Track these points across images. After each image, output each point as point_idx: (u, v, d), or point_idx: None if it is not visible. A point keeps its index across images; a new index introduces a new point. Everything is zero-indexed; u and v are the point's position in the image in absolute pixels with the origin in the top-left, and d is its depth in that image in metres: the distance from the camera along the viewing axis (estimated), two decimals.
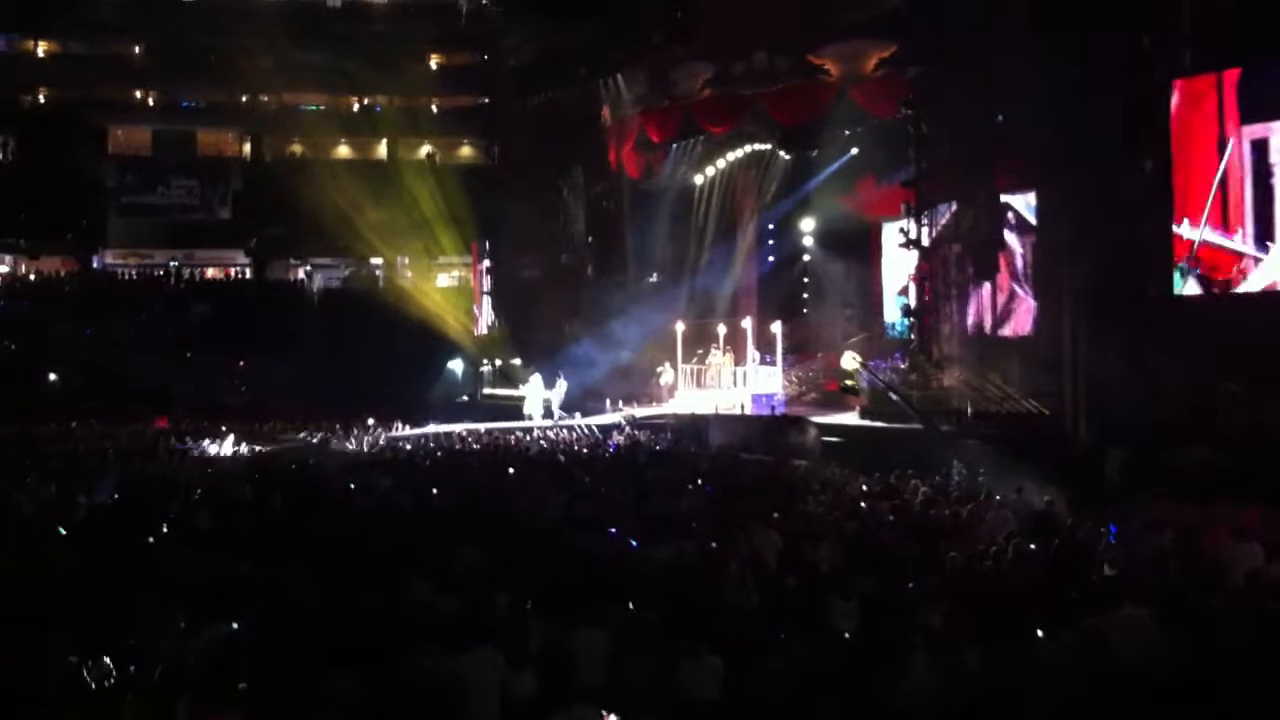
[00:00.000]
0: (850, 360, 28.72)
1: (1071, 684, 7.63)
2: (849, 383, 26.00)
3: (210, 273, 53.39)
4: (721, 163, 34.09)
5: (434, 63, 54.14)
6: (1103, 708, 7.26)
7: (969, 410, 22.65)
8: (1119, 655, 8.01)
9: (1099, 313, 20.28)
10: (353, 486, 18.65)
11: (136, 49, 52.23)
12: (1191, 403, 18.44)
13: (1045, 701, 7.42)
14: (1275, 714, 6.98)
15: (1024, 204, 24.89)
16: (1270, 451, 16.10)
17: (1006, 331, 25.75)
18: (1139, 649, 8.09)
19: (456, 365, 44.47)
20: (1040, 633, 8.51)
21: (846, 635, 9.18)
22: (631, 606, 9.89)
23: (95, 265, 51.93)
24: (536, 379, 33.09)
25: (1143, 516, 13.88)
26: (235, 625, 9.02)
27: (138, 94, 52.87)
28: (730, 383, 29.78)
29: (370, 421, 33.93)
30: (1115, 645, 8.13)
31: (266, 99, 53.08)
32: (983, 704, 7.51)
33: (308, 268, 53.33)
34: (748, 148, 32.94)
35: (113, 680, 7.83)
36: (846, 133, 29.80)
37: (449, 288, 52.89)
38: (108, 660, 8.02)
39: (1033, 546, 12.29)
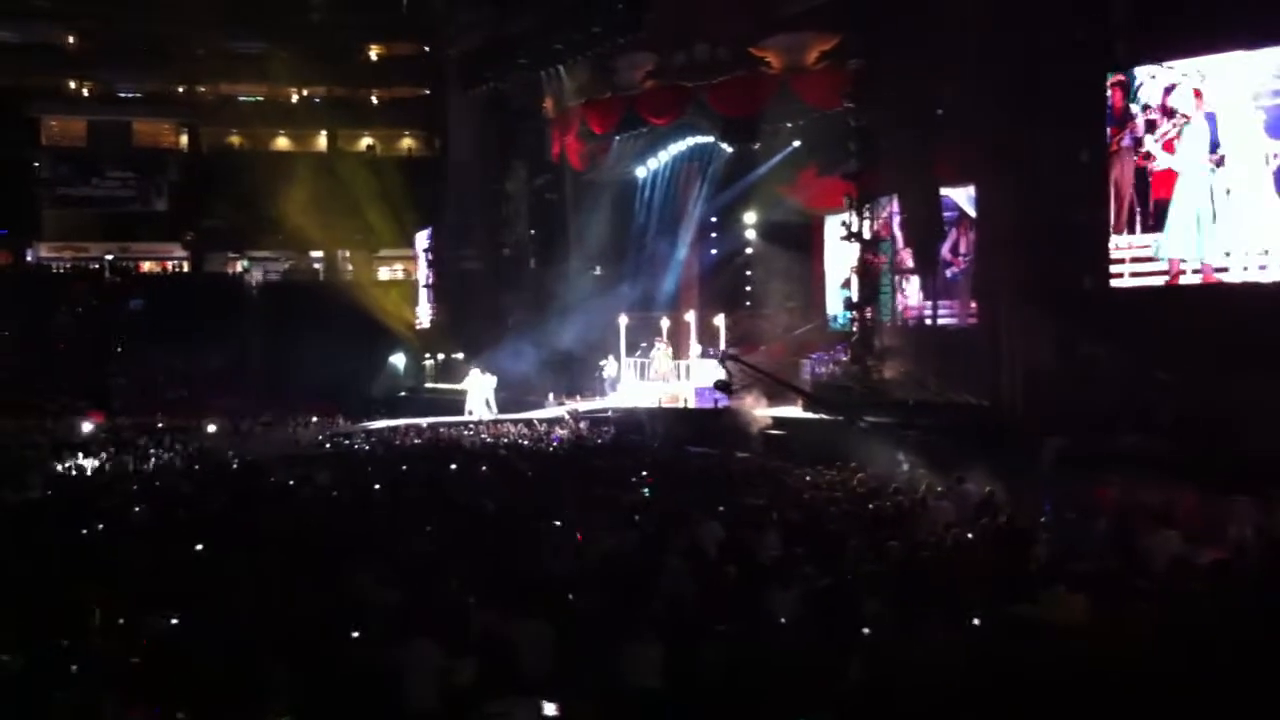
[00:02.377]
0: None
1: (1007, 667, 7.72)
2: (721, 379, 25.96)
3: (146, 266, 52.67)
4: (664, 155, 34.06)
5: (374, 53, 53.74)
6: (1038, 690, 7.34)
7: (910, 401, 22.83)
8: (1053, 638, 8.13)
9: (1035, 304, 20.51)
10: (291, 481, 18.54)
11: (70, 37, 51.31)
12: (1125, 392, 18.69)
13: (982, 685, 7.50)
14: (1198, 695, 7.08)
15: (964, 196, 25.10)
16: (1202, 439, 16.36)
17: (945, 315, 25.93)
18: (1072, 631, 8.22)
19: (398, 359, 44.24)
20: (978, 618, 8.60)
21: (787, 624, 9.22)
22: (573, 596, 9.90)
23: (29, 258, 51.03)
24: (476, 374, 32.97)
25: (1077, 503, 14.09)
26: (173, 620, 8.94)
27: (72, 83, 52.02)
28: (673, 376, 29.85)
29: (311, 416, 33.70)
30: (1049, 628, 8.26)
31: (204, 89, 52.48)
32: (921, 690, 7.56)
33: (246, 261, 52.77)
34: (690, 140, 32.93)
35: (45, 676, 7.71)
36: (788, 125, 29.84)
37: (390, 280, 52.63)
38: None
39: (970, 535, 12.43)
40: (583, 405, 30.62)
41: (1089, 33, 20.60)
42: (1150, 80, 19.89)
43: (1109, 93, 20.35)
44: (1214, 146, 19.03)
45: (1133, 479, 14.74)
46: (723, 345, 28.88)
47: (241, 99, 53.46)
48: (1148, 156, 19.89)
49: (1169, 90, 19.67)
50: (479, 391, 32.44)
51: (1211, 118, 19.06)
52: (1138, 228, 19.96)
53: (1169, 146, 19.65)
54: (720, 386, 25.53)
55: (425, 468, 20.54)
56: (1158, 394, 18.22)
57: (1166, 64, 19.67)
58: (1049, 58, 20.32)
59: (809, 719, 6.19)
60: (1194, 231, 19.33)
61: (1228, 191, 18.87)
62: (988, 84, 20.83)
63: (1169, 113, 19.64)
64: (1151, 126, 19.88)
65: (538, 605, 9.10)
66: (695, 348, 30.11)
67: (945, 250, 25.72)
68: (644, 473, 19.15)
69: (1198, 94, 19.26)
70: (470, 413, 31.94)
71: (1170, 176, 19.64)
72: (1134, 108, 20.10)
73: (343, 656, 8.36)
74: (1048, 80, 20.23)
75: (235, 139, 53.80)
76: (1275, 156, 18.35)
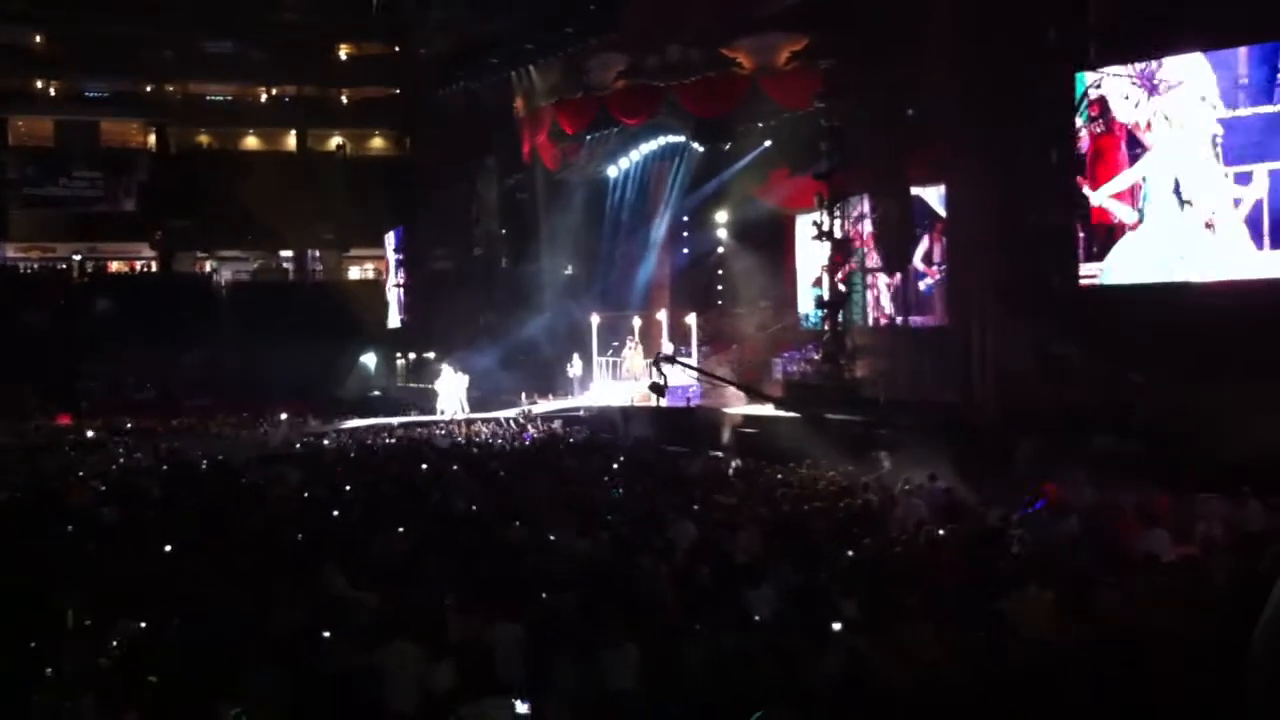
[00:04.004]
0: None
1: (980, 665, 7.77)
2: (655, 382, 25.94)
3: (114, 266, 52.29)
4: (636, 154, 34.07)
5: (344, 53, 53.52)
6: (1010, 688, 7.39)
7: (882, 400, 22.90)
8: (1025, 636, 8.18)
9: (1007, 303, 20.62)
10: (262, 482, 18.47)
11: (38, 37, 50.82)
12: (1098, 390, 18.82)
13: (956, 681, 7.54)
14: (1173, 693, 7.13)
15: (935, 196, 25.23)
16: (1176, 438, 16.47)
17: (918, 322, 26.07)
18: (1044, 630, 8.27)
19: (369, 359, 44.11)
20: (950, 615, 8.64)
21: (762, 623, 9.24)
22: (549, 598, 9.89)
23: None
24: (448, 372, 32.90)
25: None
26: (144, 623, 8.89)
27: (39, 83, 51.51)
28: (645, 375, 29.85)
29: (282, 416, 33.55)
30: (1022, 627, 8.30)
31: (173, 89, 52.11)
32: (895, 685, 7.60)
33: (215, 261, 52.46)
34: (662, 139, 32.95)
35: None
36: (760, 125, 29.90)
37: (361, 280, 52.45)
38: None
39: (942, 533, 12.48)
40: (553, 404, 30.62)
41: (1059, 33, 20.73)
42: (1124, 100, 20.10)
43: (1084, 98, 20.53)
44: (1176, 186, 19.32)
45: (1107, 478, 14.83)
46: (664, 347, 28.79)
47: (210, 99, 53.12)
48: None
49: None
50: (451, 391, 32.38)
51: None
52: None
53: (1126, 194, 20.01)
54: (654, 389, 25.49)
55: (397, 468, 20.48)
56: (1130, 394, 18.34)
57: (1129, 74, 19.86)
58: (1019, 58, 20.44)
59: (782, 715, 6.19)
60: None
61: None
62: (958, 84, 20.92)
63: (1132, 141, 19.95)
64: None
65: (513, 607, 9.09)
66: (667, 347, 30.11)
67: (918, 259, 25.83)
68: (615, 468, 19.20)
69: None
70: (442, 412, 31.88)
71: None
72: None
73: (320, 658, 8.33)
74: (1018, 80, 20.35)
75: (204, 139, 53.47)
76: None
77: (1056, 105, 20.60)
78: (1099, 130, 20.35)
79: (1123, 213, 20.07)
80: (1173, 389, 17.54)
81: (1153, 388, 18.17)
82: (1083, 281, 20.56)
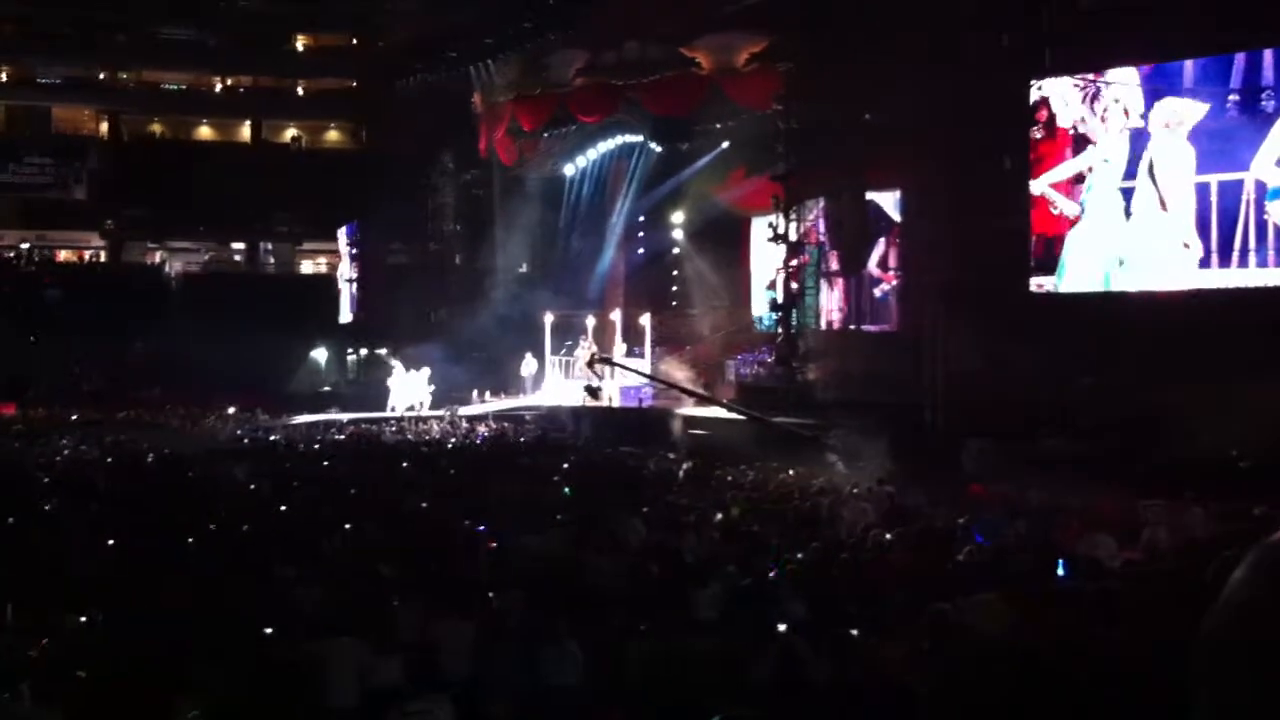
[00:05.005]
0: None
1: (928, 667, 7.78)
2: (590, 384, 25.91)
3: (63, 255, 51.59)
4: (593, 153, 34.04)
5: (301, 43, 53.09)
6: (960, 690, 7.41)
7: (833, 402, 22.98)
8: (974, 639, 8.20)
9: (958, 307, 20.76)
10: (211, 476, 18.31)
11: None
12: (1047, 393, 19.00)
13: (905, 684, 7.55)
14: (1121, 695, 7.18)
15: (890, 201, 25.36)
16: (1122, 441, 16.66)
17: (871, 326, 26.19)
18: (993, 633, 8.29)
19: (320, 353, 43.80)
20: (896, 619, 8.66)
21: (709, 624, 9.24)
22: (495, 595, 9.85)
23: None
24: (400, 369, 32.73)
25: (998, 505, 14.26)
26: (84, 618, 8.77)
27: None
28: (598, 375, 29.80)
29: (231, 410, 33.25)
30: (970, 629, 8.32)
31: (127, 76, 51.48)
32: (838, 688, 7.61)
33: (165, 252, 51.88)
34: (619, 138, 32.94)
35: None
36: (718, 126, 29.94)
37: (314, 274, 52.06)
38: None
39: (889, 536, 12.52)
40: (506, 403, 30.53)
41: (1014, 41, 20.91)
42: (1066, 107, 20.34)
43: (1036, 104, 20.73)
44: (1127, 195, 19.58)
45: (1056, 480, 14.96)
46: (592, 348, 28.72)
47: (165, 87, 52.50)
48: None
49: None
50: (406, 388, 32.19)
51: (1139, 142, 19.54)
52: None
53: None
54: (589, 391, 25.43)
55: (347, 464, 20.35)
56: (1078, 397, 18.53)
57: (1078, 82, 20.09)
58: (975, 65, 20.60)
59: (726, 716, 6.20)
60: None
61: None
62: (916, 90, 21.06)
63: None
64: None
65: (460, 604, 9.05)
66: (621, 346, 30.09)
67: (873, 265, 25.95)
68: (565, 467, 19.18)
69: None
70: (393, 409, 31.69)
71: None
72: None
73: (264, 653, 8.25)
74: (974, 87, 20.50)
75: (157, 128, 52.84)
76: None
77: (1011, 112, 20.78)
78: (1039, 135, 20.59)
79: (1064, 205, 20.29)
80: (1120, 392, 17.74)
81: (1100, 391, 18.37)
82: (1034, 287, 20.77)
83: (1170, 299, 18.99)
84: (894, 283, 25.77)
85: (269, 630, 8.63)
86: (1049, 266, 20.61)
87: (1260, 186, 18.17)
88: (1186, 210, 18.86)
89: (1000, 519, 13.48)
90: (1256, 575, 1.38)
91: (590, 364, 26.25)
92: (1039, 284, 20.70)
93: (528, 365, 31.62)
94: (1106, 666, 7.49)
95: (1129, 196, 19.49)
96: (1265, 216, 18.15)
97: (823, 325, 27.33)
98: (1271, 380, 14.65)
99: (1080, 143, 20.17)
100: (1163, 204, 19.09)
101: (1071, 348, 19.08)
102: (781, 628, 8.43)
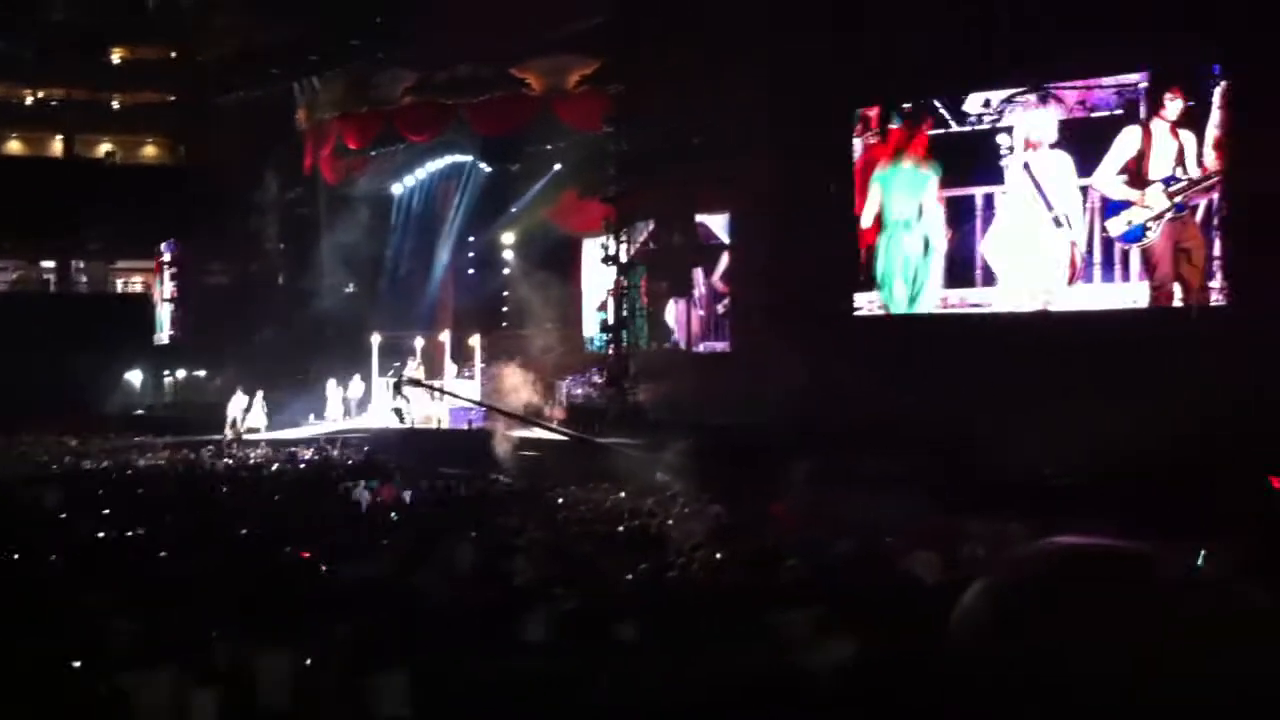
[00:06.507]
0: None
1: (756, 684, 7.77)
2: (396, 406, 25.71)
3: None
4: (422, 172, 33.68)
5: (117, 55, 51.25)
6: (779, 705, 7.42)
7: (662, 423, 23.03)
8: (792, 655, 8.24)
9: (785, 327, 21.06)
10: (18, 502, 17.42)
11: None
12: (873, 413, 19.36)
13: (730, 700, 7.52)
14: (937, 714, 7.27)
15: (720, 223, 25.64)
16: (946, 462, 17.06)
17: (702, 348, 26.41)
18: (809, 649, 8.35)
19: (134, 375, 42.22)
20: (723, 637, 8.64)
21: (537, 646, 9.09)
22: (321, 622, 9.54)
23: None
24: (240, 394, 31.72)
25: (827, 523, 14.41)
26: None
27: None
28: (427, 396, 29.37)
29: (41, 435, 31.75)
30: (788, 646, 8.35)
31: None
32: (672, 710, 7.54)
33: None
34: (449, 158, 32.65)
35: None
36: (549, 147, 29.93)
37: (128, 294, 50.26)
38: None
39: (719, 556, 12.54)
40: (331, 426, 29.86)
41: (840, 67, 21.35)
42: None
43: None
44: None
45: (881, 500, 15.19)
46: (420, 369, 28.42)
47: None
48: None
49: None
50: (242, 412, 31.19)
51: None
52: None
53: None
54: (396, 414, 25.13)
55: (166, 489, 19.62)
56: (902, 416, 18.93)
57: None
58: (798, 90, 20.97)
59: None
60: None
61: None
62: (742, 114, 21.34)
63: None
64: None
65: (283, 632, 8.72)
66: (450, 368, 29.70)
67: (716, 279, 26.19)
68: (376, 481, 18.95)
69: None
70: (226, 434, 30.70)
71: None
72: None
73: (69, 687, 7.80)
74: (800, 111, 20.88)
75: None
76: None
77: (835, 135, 21.22)
78: (873, 141, 21.06)
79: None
80: (945, 412, 18.18)
81: (926, 410, 18.79)
82: (857, 308, 21.20)
83: (997, 320, 19.58)
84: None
85: (76, 664, 8.21)
86: (872, 283, 21.02)
87: (1104, 200, 18.76)
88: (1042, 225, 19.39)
89: (821, 539, 13.65)
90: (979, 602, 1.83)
91: (396, 386, 25.82)
92: (865, 299, 21.08)
93: (354, 387, 31.01)
94: (925, 676, 7.58)
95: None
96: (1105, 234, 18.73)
97: (654, 346, 27.41)
98: (1086, 400, 15.25)
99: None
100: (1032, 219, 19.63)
101: (894, 367, 19.51)
102: (612, 649, 8.34)
